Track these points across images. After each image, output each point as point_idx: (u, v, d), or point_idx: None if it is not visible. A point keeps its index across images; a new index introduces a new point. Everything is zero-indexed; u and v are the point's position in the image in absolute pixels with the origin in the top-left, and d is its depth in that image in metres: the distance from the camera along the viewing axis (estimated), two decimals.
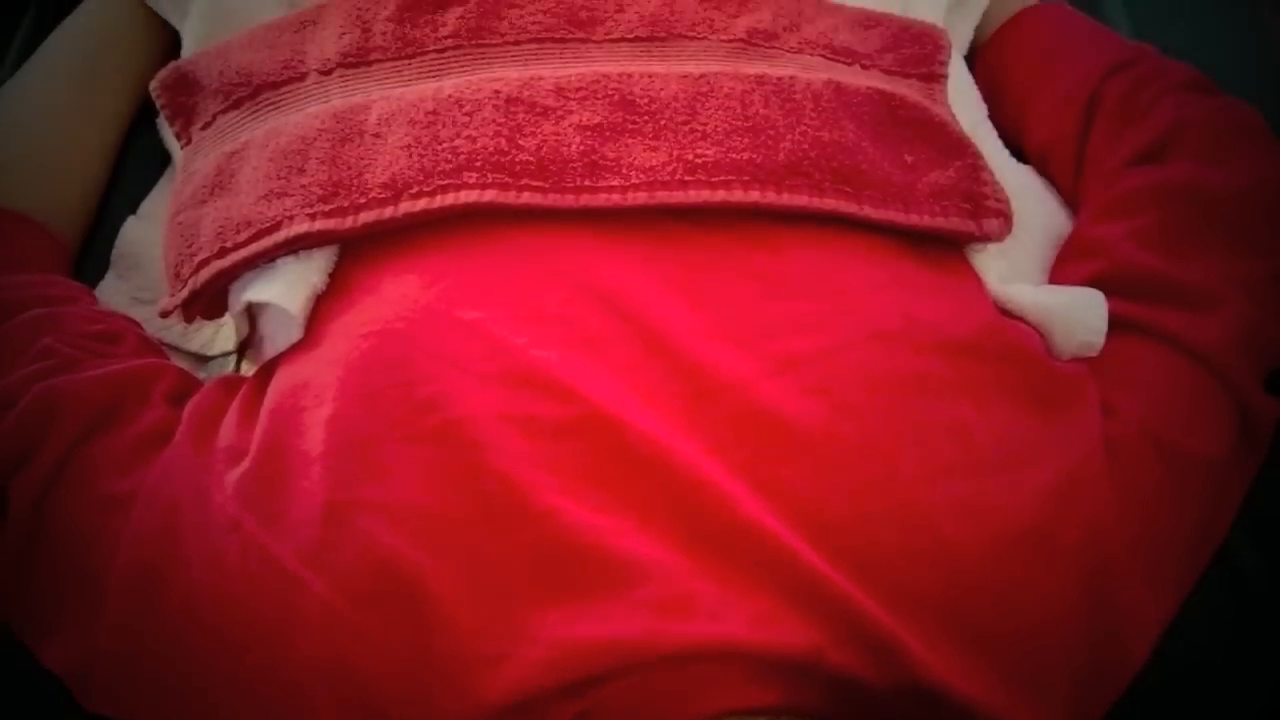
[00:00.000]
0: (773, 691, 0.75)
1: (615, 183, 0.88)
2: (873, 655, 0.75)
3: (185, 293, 0.90)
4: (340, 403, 0.79)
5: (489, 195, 0.87)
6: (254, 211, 0.90)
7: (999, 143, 1.17)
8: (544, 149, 0.89)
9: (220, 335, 1.08)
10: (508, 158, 0.89)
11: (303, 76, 1.00)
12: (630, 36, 1.01)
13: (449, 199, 0.87)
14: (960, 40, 1.25)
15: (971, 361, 0.85)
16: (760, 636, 0.74)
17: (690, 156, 0.89)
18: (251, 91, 1.00)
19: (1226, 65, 1.18)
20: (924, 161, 0.95)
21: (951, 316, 0.87)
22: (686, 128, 0.91)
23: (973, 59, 1.27)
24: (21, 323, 0.91)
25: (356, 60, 1.00)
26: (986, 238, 0.94)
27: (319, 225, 0.88)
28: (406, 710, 0.74)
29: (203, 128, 1.01)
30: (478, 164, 0.88)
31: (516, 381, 0.79)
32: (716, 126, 0.91)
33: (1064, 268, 1.02)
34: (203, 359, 1.08)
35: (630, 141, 0.90)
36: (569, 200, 0.88)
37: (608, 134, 0.90)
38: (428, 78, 0.98)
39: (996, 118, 1.19)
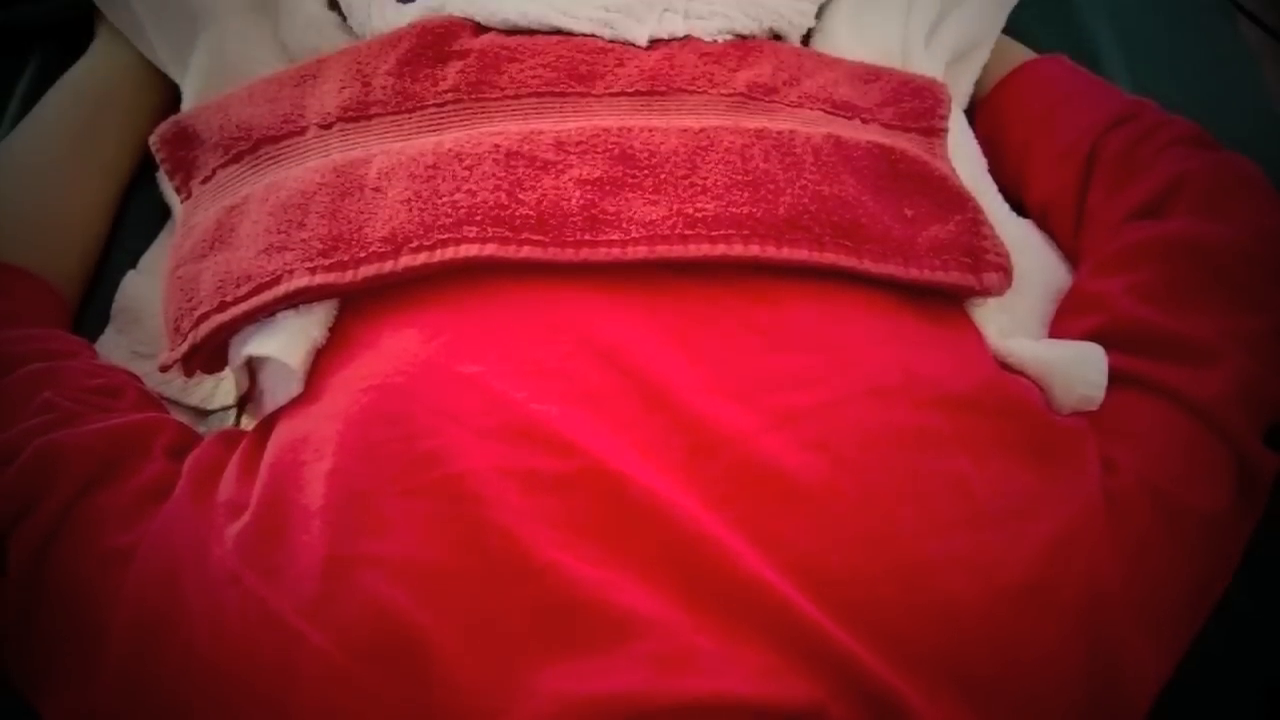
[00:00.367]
0: None
1: (615, 237, 0.89)
2: (874, 709, 0.75)
3: (185, 347, 0.91)
4: (340, 457, 0.80)
5: (489, 249, 0.87)
6: (254, 266, 0.90)
7: (999, 197, 1.18)
8: (544, 203, 0.90)
9: (220, 389, 1.08)
10: (508, 212, 0.89)
11: (303, 131, 1.01)
12: (630, 90, 1.02)
13: (449, 253, 0.87)
14: (960, 94, 1.26)
15: (971, 416, 0.85)
16: (762, 691, 0.74)
17: (690, 210, 0.90)
18: (251, 145, 1.01)
19: (1226, 120, 1.19)
20: (924, 215, 0.96)
21: (951, 371, 0.87)
22: (686, 182, 0.91)
23: (973, 112, 1.27)
24: (22, 377, 0.92)
25: (357, 114, 1.01)
26: (987, 292, 0.95)
27: (319, 279, 0.88)
28: None
29: (203, 182, 1.01)
30: (478, 218, 0.89)
31: (516, 435, 0.79)
32: (716, 181, 0.92)
33: (1064, 322, 1.03)
34: (203, 413, 1.08)
35: (630, 195, 0.91)
36: (569, 254, 0.88)
37: (608, 188, 0.91)
38: (428, 132, 0.98)
39: (996, 172, 1.20)
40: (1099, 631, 0.81)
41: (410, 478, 0.78)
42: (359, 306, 0.90)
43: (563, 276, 0.88)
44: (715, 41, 1.09)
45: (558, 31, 1.08)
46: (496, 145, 0.93)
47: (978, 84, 1.29)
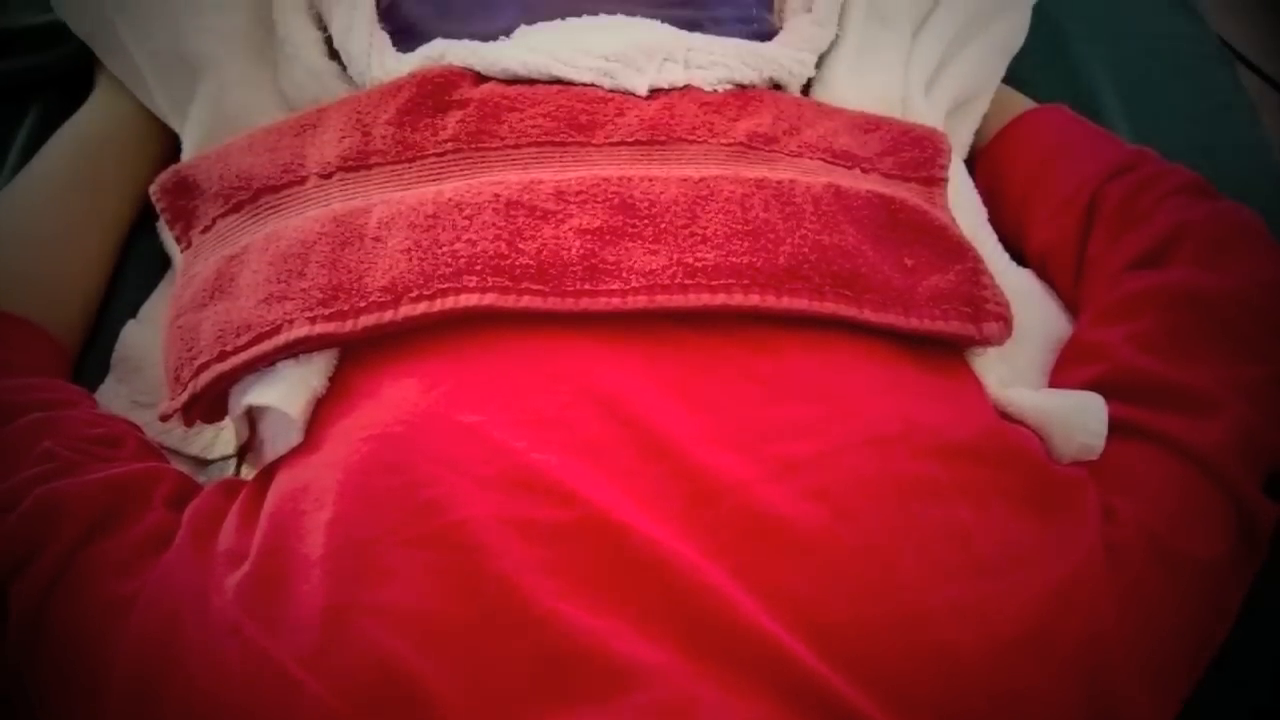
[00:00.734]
0: None
1: (615, 286, 0.89)
2: None
3: (185, 396, 0.91)
4: (340, 506, 0.80)
5: (489, 299, 0.88)
6: (254, 315, 0.91)
7: (999, 246, 1.18)
8: (544, 252, 0.90)
9: (220, 439, 1.09)
10: (508, 261, 0.90)
11: (303, 180, 1.02)
12: (630, 140, 1.02)
13: (449, 302, 0.88)
14: (960, 143, 1.27)
15: (971, 465, 0.85)
16: None
17: (690, 260, 0.90)
18: (251, 195, 1.01)
19: (1227, 169, 1.20)
20: (924, 265, 0.96)
21: (951, 420, 0.88)
22: (686, 231, 0.92)
23: (973, 162, 1.28)
24: (22, 426, 0.92)
25: (357, 164, 1.02)
26: (987, 341, 0.95)
27: (319, 329, 0.89)
28: None
29: (203, 231, 1.02)
30: (478, 267, 0.89)
31: (516, 485, 0.80)
32: (716, 230, 0.92)
33: (1064, 371, 1.04)
34: (203, 463, 1.08)
35: (630, 245, 0.91)
36: (569, 304, 0.88)
37: (608, 237, 0.91)
38: (428, 181, 0.99)
39: (996, 221, 1.20)
40: (1098, 681, 0.82)
41: (410, 527, 0.78)
42: (359, 356, 0.90)
43: (563, 326, 0.89)
44: (715, 91, 1.10)
45: (558, 81, 1.08)
46: (497, 195, 0.93)
47: (978, 133, 1.30)
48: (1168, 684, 0.87)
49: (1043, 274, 1.18)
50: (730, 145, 1.04)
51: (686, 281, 0.89)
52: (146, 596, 0.81)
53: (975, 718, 0.78)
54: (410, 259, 0.90)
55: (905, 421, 0.86)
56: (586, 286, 0.89)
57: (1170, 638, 0.87)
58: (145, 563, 0.84)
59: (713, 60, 1.12)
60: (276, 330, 0.90)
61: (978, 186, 1.23)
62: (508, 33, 1.14)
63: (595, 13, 1.16)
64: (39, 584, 0.83)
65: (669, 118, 1.05)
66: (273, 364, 0.90)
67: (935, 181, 1.07)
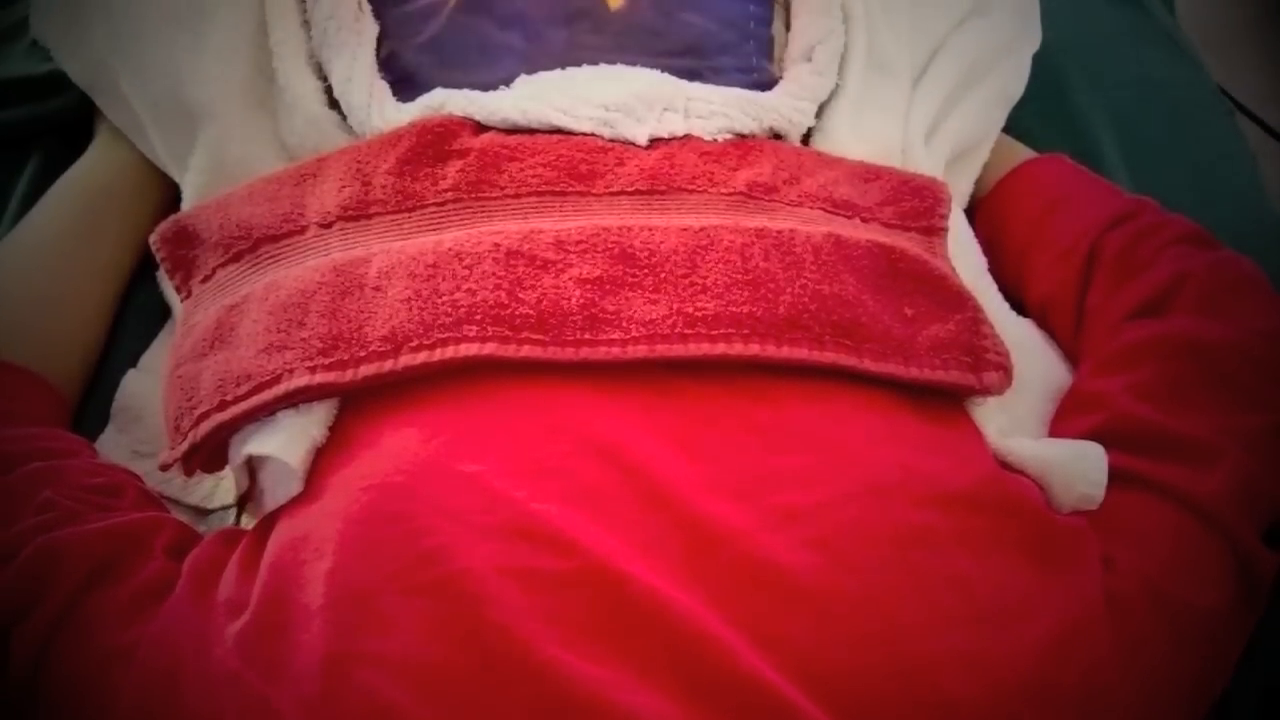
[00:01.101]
0: None
1: (615, 336, 0.89)
2: None
3: (185, 446, 0.92)
4: (340, 555, 0.80)
5: (489, 348, 0.88)
6: (254, 365, 0.91)
7: (999, 296, 1.19)
8: (544, 302, 0.90)
9: (220, 488, 1.09)
10: (508, 311, 0.90)
11: (303, 230, 1.02)
12: (630, 190, 1.03)
13: (449, 352, 0.88)
14: (960, 193, 1.28)
15: (971, 514, 0.86)
16: None
17: (690, 309, 0.91)
18: (251, 245, 1.02)
19: (1227, 218, 1.21)
20: (924, 315, 0.97)
21: (951, 469, 0.88)
22: (686, 281, 0.93)
23: (973, 211, 1.29)
24: (22, 476, 0.93)
25: (357, 213, 1.02)
26: (987, 391, 0.96)
27: (319, 378, 0.89)
28: None
29: (203, 281, 1.02)
30: (478, 317, 0.90)
31: (516, 534, 0.80)
32: (717, 280, 0.93)
33: (1064, 421, 1.04)
34: (203, 512, 1.09)
35: (630, 294, 0.92)
36: (569, 353, 0.89)
37: (608, 287, 0.92)
38: (428, 231, 0.99)
39: (996, 270, 1.21)
40: None
41: (410, 576, 0.79)
42: (359, 405, 0.91)
43: (563, 375, 0.89)
44: (715, 140, 1.10)
45: (558, 130, 1.09)
46: (496, 244, 0.94)
47: (978, 182, 1.30)
48: None
49: (1043, 323, 1.18)
50: (730, 195, 1.04)
51: (686, 331, 0.90)
52: (147, 645, 0.82)
53: None
54: (410, 308, 0.91)
55: (905, 470, 0.87)
56: (586, 336, 0.90)
57: (1169, 687, 0.87)
58: (146, 612, 0.84)
59: (712, 110, 1.13)
60: (276, 380, 0.90)
61: (978, 236, 1.24)
62: (508, 82, 1.14)
63: (595, 62, 1.16)
64: (40, 633, 0.83)
65: (669, 167, 1.05)
66: (273, 413, 0.91)
67: (935, 231, 1.07)
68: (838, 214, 1.05)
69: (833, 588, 0.80)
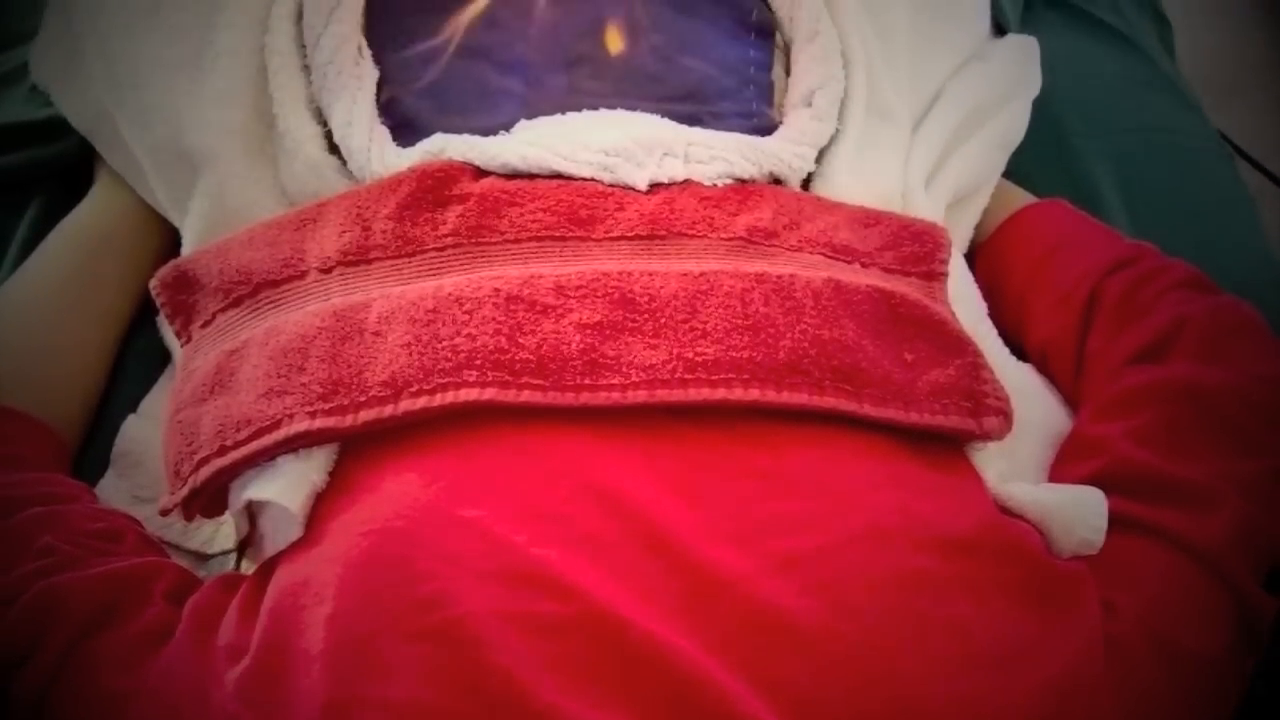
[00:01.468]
0: None
1: (615, 381, 0.90)
2: None
3: (185, 491, 0.92)
4: (340, 601, 0.80)
5: (489, 394, 0.89)
6: (254, 410, 0.91)
7: (999, 341, 1.20)
8: (544, 347, 0.91)
9: (220, 533, 1.09)
10: (508, 356, 0.90)
11: (303, 275, 1.03)
12: (630, 235, 1.03)
13: (449, 397, 0.89)
14: (960, 237, 1.29)
15: (970, 559, 0.86)
16: None
17: (690, 355, 0.91)
18: (251, 290, 1.02)
19: (1226, 264, 1.21)
20: (924, 360, 0.97)
21: (950, 515, 0.88)
22: (686, 326, 0.93)
23: (973, 256, 1.29)
24: (22, 521, 0.94)
25: (357, 258, 1.02)
26: (987, 436, 0.96)
27: (319, 423, 0.89)
28: None
29: (203, 326, 1.03)
30: (478, 362, 0.90)
31: (516, 579, 0.80)
32: (716, 325, 0.93)
33: (1064, 466, 1.05)
34: (203, 557, 1.09)
35: (630, 340, 0.92)
36: (569, 399, 0.89)
37: (608, 332, 0.92)
38: (428, 276, 1.00)
39: (996, 315, 1.22)
40: None
41: (410, 621, 0.79)
42: (359, 450, 0.91)
43: (562, 420, 0.89)
44: (715, 186, 1.10)
45: (558, 176, 1.09)
46: (496, 289, 0.94)
47: (978, 227, 1.31)
48: None
49: (1043, 368, 1.19)
50: (730, 240, 1.04)
51: (686, 376, 0.90)
52: (147, 691, 0.83)
53: None
54: (410, 353, 0.91)
55: (905, 515, 0.87)
56: (586, 381, 0.90)
57: None
58: (146, 657, 0.85)
59: (712, 155, 1.13)
60: (276, 425, 0.90)
61: (978, 281, 1.25)
62: (508, 127, 1.15)
63: (595, 107, 1.17)
64: (40, 677, 0.84)
65: (669, 212, 1.05)
66: (273, 459, 0.91)
67: (935, 276, 1.08)
68: (838, 259, 1.05)
69: (832, 632, 0.80)
